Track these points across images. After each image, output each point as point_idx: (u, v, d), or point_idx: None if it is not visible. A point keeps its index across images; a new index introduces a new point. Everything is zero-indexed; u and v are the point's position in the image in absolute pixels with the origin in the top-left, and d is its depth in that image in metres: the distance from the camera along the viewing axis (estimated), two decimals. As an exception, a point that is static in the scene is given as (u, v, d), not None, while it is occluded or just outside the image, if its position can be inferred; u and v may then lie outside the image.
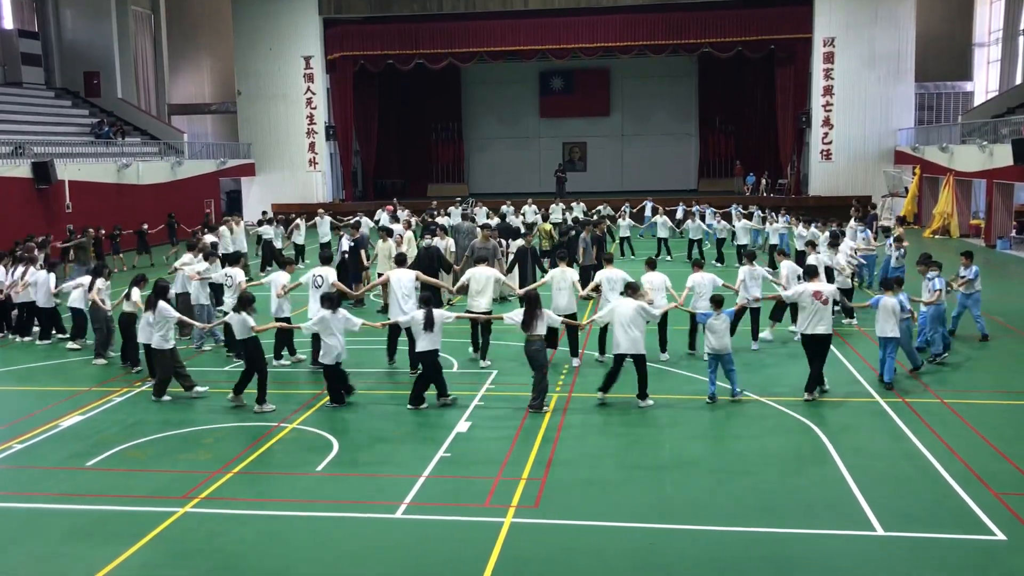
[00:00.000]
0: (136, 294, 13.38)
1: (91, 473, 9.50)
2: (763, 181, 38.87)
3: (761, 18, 36.09)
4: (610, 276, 13.16)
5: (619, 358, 11.24)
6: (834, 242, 16.69)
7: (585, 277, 16.16)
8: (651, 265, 13.64)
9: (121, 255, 25.55)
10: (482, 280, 13.34)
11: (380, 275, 14.89)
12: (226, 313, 13.04)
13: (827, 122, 36.74)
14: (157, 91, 42.16)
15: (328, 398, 11.54)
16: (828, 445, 9.77)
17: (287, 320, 13.43)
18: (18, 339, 16.20)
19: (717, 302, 11.57)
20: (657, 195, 34.63)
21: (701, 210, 28.92)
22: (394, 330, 13.37)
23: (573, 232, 19.95)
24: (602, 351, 13.43)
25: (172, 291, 14.22)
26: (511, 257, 17.71)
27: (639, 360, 11.16)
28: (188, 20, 44.29)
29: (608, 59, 40.42)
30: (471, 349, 14.09)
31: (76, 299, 15.08)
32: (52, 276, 16.03)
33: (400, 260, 13.72)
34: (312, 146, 39.65)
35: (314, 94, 39.19)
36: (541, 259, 17.63)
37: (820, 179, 37.14)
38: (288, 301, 13.53)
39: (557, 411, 11.16)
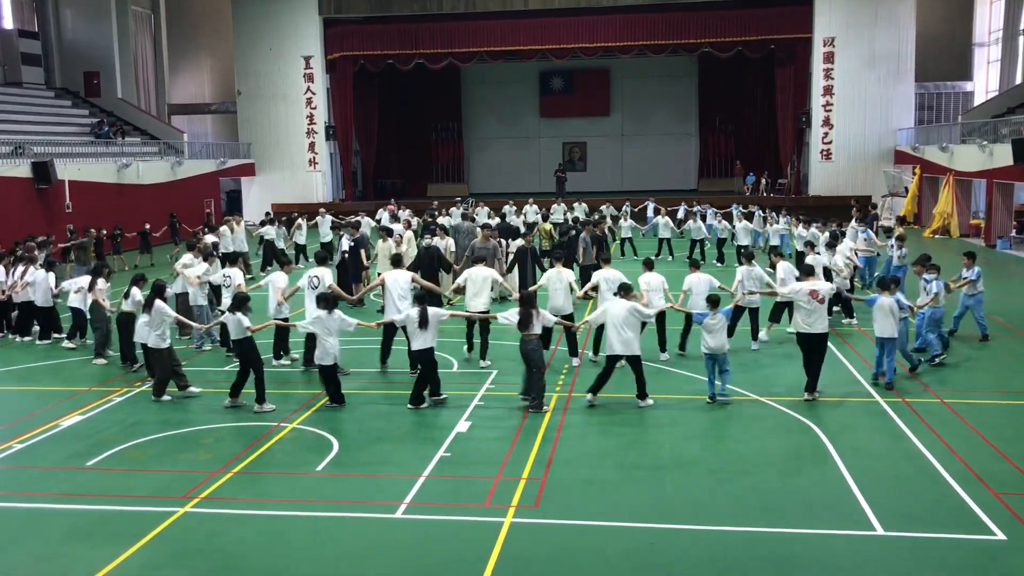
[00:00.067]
0: (137, 293, 13.39)
1: (91, 473, 9.51)
2: (763, 181, 38.88)
3: (761, 18, 36.09)
4: (608, 276, 13.14)
5: (611, 359, 11.22)
6: (832, 243, 16.68)
7: (585, 277, 16.16)
8: (649, 266, 13.63)
9: (122, 255, 25.56)
10: (479, 280, 13.33)
11: (380, 275, 14.87)
12: (223, 313, 13.05)
13: (827, 122, 36.74)
14: (157, 91, 42.18)
15: (328, 398, 11.54)
16: (828, 445, 9.77)
17: (285, 320, 13.43)
18: (18, 339, 16.21)
19: (713, 302, 11.58)
20: (657, 195, 34.64)
21: (702, 210, 28.91)
22: (389, 332, 13.28)
23: (573, 232, 19.94)
24: (596, 351, 13.42)
25: (171, 291, 14.24)
26: (511, 257, 17.71)
27: (633, 361, 11.14)
28: (188, 20, 44.30)
29: (608, 59, 40.42)
30: (466, 349, 14.08)
31: (76, 299, 15.10)
32: (51, 276, 16.04)
33: (396, 260, 13.67)
34: (312, 146, 39.65)
35: (314, 94, 39.20)
36: (541, 259, 17.63)
37: (820, 179, 37.15)
38: (287, 302, 13.53)
39: (557, 411, 11.15)
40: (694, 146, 44.47)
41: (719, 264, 23.61)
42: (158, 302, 12.07)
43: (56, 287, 15.98)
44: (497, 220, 24.20)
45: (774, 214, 26.89)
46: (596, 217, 24.02)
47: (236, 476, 9.23)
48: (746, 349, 14.15)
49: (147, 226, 26.31)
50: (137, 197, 30.94)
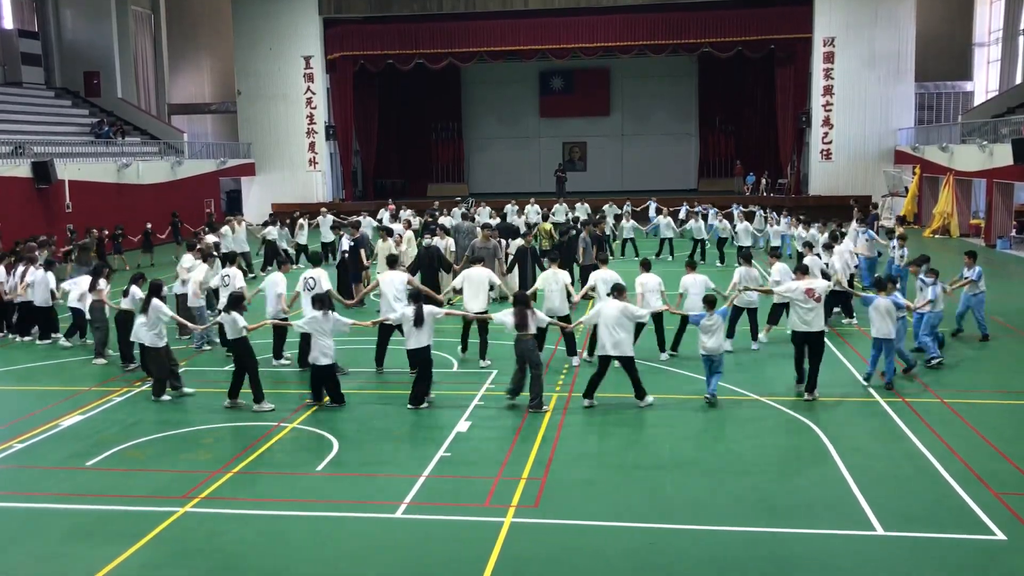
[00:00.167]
0: (136, 292, 13.39)
1: (91, 473, 9.51)
2: (763, 181, 38.87)
3: (761, 18, 36.06)
4: (604, 277, 13.12)
5: (604, 360, 11.21)
6: (830, 244, 16.64)
7: (586, 277, 16.14)
8: (646, 267, 13.61)
9: (123, 255, 25.56)
10: (476, 281, 13.32)
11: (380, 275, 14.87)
12: (220, 312, 13.06)
13: (827, 122, 36.72)
14: (157, 91, 42.17)
15: (328, 398, 11.53)
16: (828, 445, 9.77)
17: (284, 320, 13.43)
18: (18, 339, 16.22)
19: (709, 303, 11.56)
20: (657, 195, 34.60)
21: (704, 210, 28.89)
22: (384, 332, 13.21)
23: (573, 232, 19.95)
24: (591, 352, 13.41)
25: (170, 291, 14.24)
26: (511, 257, 17.71)
27: (626, 362, 11.12)
28: (188, 20, 44.28)
29: (608, 59, 40.39)
30: (460, 349, 14.06)
31: (75, 299, 15.10)
32: (50, 276, 16.04)
33: (391, 261, 13.66)
34: (312, 146, 39.63)
35: (314, 94, 39.18)
36: (541, 259, 17.62)
37: (820, 179, 37.12)
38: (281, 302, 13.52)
39: (557, 411, 11.15)
40: (694, 146, 44.46)
41: (720, 264, 23.60)
42: (155, 301, 12.08)
43: (56, 288, 15.98)
44: (498, 220, 24.19)
45: (775, 215, 26.89)
46: (597, 217, 24.04)
47: (236, 476, 9.23)
48: (746, 349, 14.15)
49: (148, 225, 26.32)
50: (137, 197, 30.94)
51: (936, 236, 30.30)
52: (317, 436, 10.45)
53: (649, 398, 11.26)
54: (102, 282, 14.40)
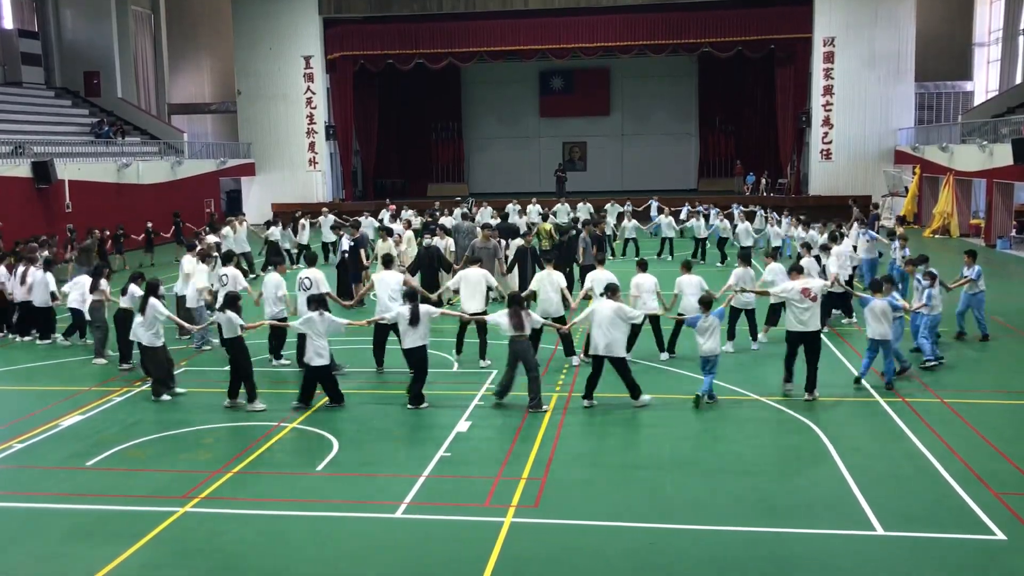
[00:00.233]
0: (135, 290, 13.38)
1: (91, 473, 9.51)
2: (763, 181, 38.88)
3: (761, 18, 36.06)
4: (599, 278, 13.10)
5: (598, 360, 11.20)
6: (828, 246, 16.62)
7: (585, 278, 16.14)
8: (642, 267, 13.60)
9: (123, 255, 25.57)
10: (473, 282, 13.30)
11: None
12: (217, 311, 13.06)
13: (827, 122, 36.72)
14: (157, 91, 42.17)
15: (327, 398, 11.53)
16: (828, 445, 9.77)
17: (283, 320, 13.43)
18: (18, 339, 16.22)
19: (705, 303, 11.55)
20: (657, 195, 34.60)
21: (706, 210, 28.85)
22: (381, 332, 13.19)
23: (573, 232, 19.94)
24: (586, 352, 13.38)
25: (170, 291, 14.23)
26: (511, 257, 17.70)
27: (618, 363, 11.09)
28: (188, 20, 44.28)
29: (608, 59, 40.39)
30: (455, 351, 14.02)
31: (75, 299, 15.10)
32: (50, 276, 16.04)
33: (387, 261, 13.61)
34: (312, 146, 39.63)
35: (314, 94, 39.17)
36: (541, 259, 17.60)
37: (820, 179, 37.12)
38: (288, 305, 13.52)
39: (557, 411, 11.16)
40: (694, 146, 44.46)
41: (720, 264, 23.59)
42: (152, 300, 12.09)
43: (56, 288, 15.97)
44: (499, 220, 24.16)
45: (775, 215, 26.88)
46: (597, 216, 24.03)
47: (236, 476, 9.23)
48: (745, 349, 14.14)
49: (150, 224, 26.31)
50: (137, 197, 30.94)
51: (936, 236, 30.29)
52: (317, 436, 10.45)
53: (646, 397, 11.25)
54: (103, 282, 14.41)
